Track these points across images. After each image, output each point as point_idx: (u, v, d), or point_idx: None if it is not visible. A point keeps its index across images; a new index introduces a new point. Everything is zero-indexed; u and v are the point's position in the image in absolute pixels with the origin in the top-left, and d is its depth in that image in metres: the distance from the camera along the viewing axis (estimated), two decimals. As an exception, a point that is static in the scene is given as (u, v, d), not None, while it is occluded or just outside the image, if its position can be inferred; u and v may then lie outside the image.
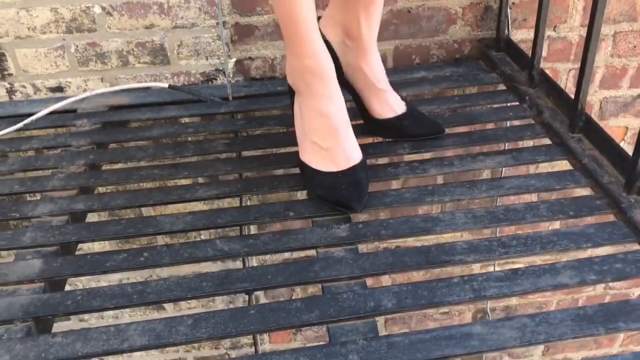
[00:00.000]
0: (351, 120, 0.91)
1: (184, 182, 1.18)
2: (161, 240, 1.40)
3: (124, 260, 0.83)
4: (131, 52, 1.22)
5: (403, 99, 1.02)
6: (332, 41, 0.96)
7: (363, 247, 0.85)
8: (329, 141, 0.88)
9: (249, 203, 1.34)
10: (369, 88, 0.98)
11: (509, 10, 1.25)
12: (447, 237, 1.22)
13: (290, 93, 0.94)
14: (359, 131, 0.97)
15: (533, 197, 1.23)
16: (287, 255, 1.46)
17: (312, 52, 0.84)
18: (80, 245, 0.92)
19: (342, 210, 0.88)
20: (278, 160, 1.02)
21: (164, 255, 0.83)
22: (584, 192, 0.91)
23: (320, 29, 0.96)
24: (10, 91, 1.24)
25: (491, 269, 1.49)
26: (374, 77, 0.97)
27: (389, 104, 0.99)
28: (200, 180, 1.13)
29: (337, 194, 0.88)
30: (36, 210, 0.93)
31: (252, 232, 1.35)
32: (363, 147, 1.02)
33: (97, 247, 1.37)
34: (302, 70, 0.86)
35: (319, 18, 0.98)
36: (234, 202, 1.27)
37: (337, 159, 0.89)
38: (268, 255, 1.44)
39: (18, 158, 1.09)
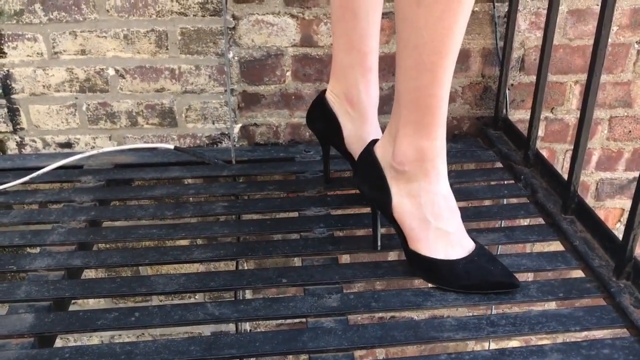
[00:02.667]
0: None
1: (181, 242, 1.19)
2: (155, 298, 1.40)
3: (115, 319, 0.83)
4: (140, 113, 1.27)
5: None
6: (337, 111, 1.01)
7: (354, 318, 0.85)
8: (454, 224, 0.84)
9: (245, 267, 1.35)
10: None
11: (507, 91, 1.29)
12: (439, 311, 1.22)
13: (382, 182, 0.86)
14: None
15: (524, 276, 1.23)
16: (280, 320, 1.45)
17: (444, 134, 0.81)
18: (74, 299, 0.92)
19: (500, 292, 0.84)
20: (276, 225, 1.04)
21: (154, 316, 0.83)
22: (575, 274, 0.92)
23: (326, 100, 1.00)
24: (20, 145, 1.28)
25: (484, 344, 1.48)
26: None
27: None
28: (198, 241, 1.14)
29: (491, 275, 0.84)
30: (34, 264, 0.94)
31: (246, 296, 1.35)
32: (362, 216, 1.04)
33: (91, 302, 1.38)
34: (434, 153, 0.81)
35: (323, 92, 1.02)
36: (231, 264, 1.28)
37: (463, 242, 0.85)
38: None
39: (21, 210, 1.11)
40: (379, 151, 0.86)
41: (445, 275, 0.84)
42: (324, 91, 1.03)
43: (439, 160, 0.82)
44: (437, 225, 0.83)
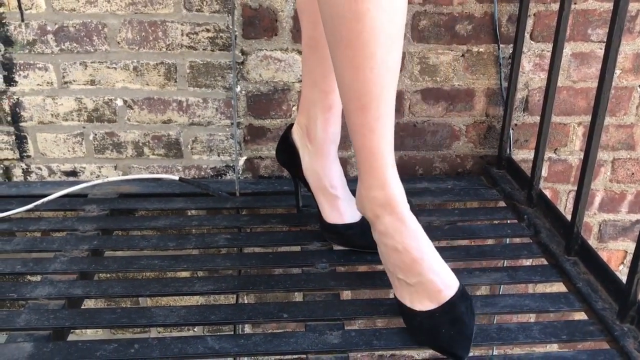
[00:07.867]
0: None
1: (183, 274, 1.19)
2: (154, 330, 1.39)
3: (115, 350, 0.82)
4: (147, 143, 1.28)
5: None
6: (298, 143, 1.04)
7: (355, 355, 0.84)
8: (412, 277, 0.82)
9: (245, 300, 1.34)
10: (321, 191, 1.03)
11: (511, 130, 1.30)
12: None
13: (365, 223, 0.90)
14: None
15: (526, 317, 1.23)
16: (280, 356, 1.44)
17: (383, 184, 0.80)
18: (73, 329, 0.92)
19: (447, 358, 0.80)
20: (277, 259, 1.04)
21: (154, 349, 0.83)
22: (578, 316, 0.91)
23: (291, 132, 1.05)
24: (26, 172, 1.29)
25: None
26: (328, 182, 1.01)
27: (338, 211, 1.02)
28: (199, 273, 1.14)
29: (438, 338, 0.80)
30: (34, 292, 0.94)
31: (246, 330, 1.34)
32: (364, 252, 1.03)
33: (89, 332, 1.37)
34: (370, 202, 0.83)
35: (291, 125, 1.06)
36: (231, 297, 1.27)
37: (430, 293, 0.81)
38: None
39: (24, 238, 1.11)
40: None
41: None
42: (292, 125, 1.06)
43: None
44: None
